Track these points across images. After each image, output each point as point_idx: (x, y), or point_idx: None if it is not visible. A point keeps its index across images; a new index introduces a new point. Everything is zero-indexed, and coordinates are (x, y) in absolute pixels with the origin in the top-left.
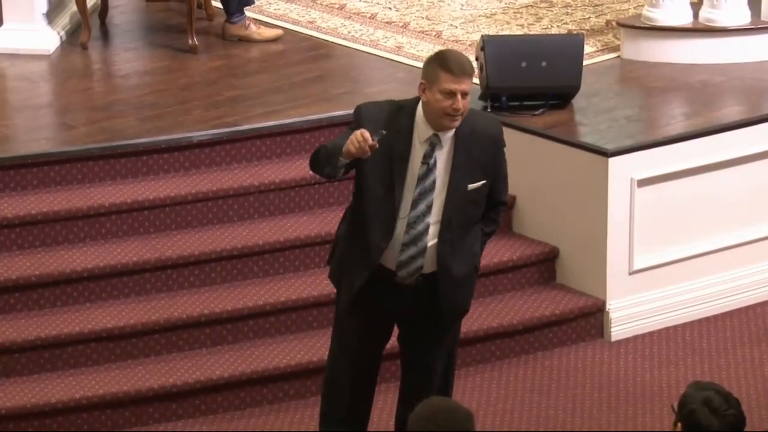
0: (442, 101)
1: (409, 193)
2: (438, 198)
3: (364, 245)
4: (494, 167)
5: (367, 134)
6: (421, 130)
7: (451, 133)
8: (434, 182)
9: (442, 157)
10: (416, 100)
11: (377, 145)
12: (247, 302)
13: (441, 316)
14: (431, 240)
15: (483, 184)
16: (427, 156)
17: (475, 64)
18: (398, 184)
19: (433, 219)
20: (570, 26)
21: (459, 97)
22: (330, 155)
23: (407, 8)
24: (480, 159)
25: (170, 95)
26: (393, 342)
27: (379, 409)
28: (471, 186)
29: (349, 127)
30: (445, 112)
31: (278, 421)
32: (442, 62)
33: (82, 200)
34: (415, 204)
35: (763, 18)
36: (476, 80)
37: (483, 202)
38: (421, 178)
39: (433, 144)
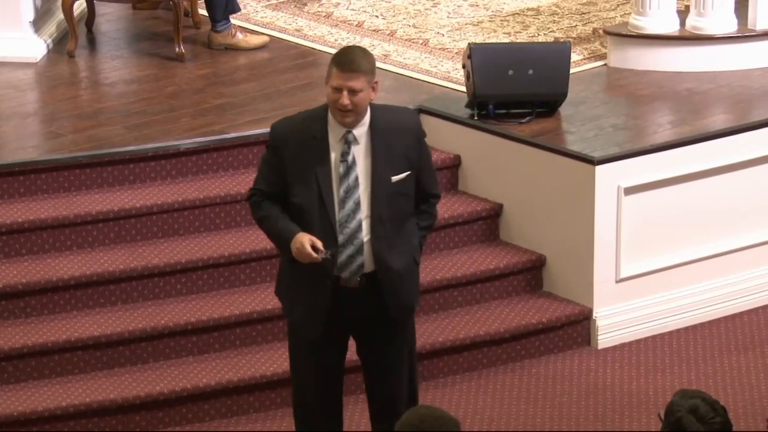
0: (331, 95)
1: (337, 194)
2: (365, 193)
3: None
4: (418, 159)
5: (318, 247)
6: (335, 130)
7: (365, 128)
8: (357, 178)
9: (360, 153)
10: (327, 105)
11: (329, 257)
12: (234, 310)
13: (389, 314)
14: (366, 236)
15: (407, 176)
16: (345, 154)
17: (461, 72)
18: (326, 189)
19: (364, 214)
20: (557, 34)
21: (345, 93)
22: (280, 243)
23: (394, 16)
24: (400, 151)
25: (157, 103)
26: (353, 356)
27: (348, 420)
28: (395, 178)
29: (267, 146)
30: (335, 106)
31: (265, 429)
32: (336, 57)
33: (69, 208)
34: (342, 203)
35: (750, 26)
36: (463, 88)
37: (412, 195)
38: (344, 176)
39: (349, 141)
